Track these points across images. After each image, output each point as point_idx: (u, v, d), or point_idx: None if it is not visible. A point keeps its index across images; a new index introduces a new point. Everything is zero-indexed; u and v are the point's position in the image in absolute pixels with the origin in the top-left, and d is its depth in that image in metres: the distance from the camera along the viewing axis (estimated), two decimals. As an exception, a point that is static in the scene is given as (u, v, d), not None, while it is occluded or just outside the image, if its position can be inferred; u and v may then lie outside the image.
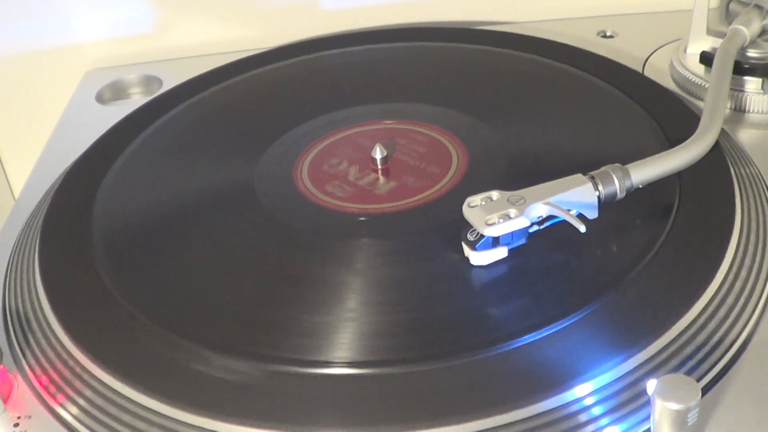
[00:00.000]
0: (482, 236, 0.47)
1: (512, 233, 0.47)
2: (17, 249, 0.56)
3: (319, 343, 0.44)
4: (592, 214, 0.48)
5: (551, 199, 0.47)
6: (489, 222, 0.46)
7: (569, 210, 0.47)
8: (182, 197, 0.58)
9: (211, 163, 0.62)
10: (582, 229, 0.46)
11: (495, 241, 0.47)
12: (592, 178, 0.48)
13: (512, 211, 0.47)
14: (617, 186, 0.48)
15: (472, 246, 0.47)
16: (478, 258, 0.48)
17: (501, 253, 0.48)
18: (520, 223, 0.47)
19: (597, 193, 0.48)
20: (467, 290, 0.48)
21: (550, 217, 0.48)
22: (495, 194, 0.48)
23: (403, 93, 0.68)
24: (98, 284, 0.50)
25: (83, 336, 0.46)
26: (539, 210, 0.47)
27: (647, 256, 0.47)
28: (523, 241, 0.48)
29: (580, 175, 0.48)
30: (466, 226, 0.48)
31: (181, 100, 0.69)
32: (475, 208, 0.47)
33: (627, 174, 0.49)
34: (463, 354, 0.42)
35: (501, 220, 0.46)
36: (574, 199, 0.48)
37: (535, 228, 0.48)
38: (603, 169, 0.49)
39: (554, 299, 0.45)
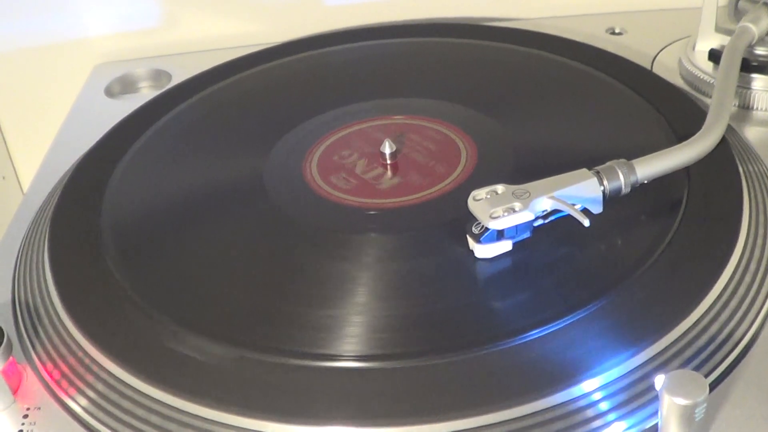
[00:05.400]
0: (487, 229, 0.47)
1: (517, 227, 0.47)
2: (26, 242, 0.57)
3: (326, 336, 0.44)
4: (597, 209, 0.48)
5: (556, 193, 0.47)
6: (494, 215, 0.46)
7: (574, 204, 0.47)
8: (191, 191, 0.58)
9: (220, 156, 0.62)
10: (586, 223, 0.46)
11: (499, 235, 0.47)
12: (597, 172, 0.48)
13: (517, 205, 0.47)
14: (622, 181, 0.48)
15: (477, 239, 0.47)
16: (483, 251, 0.48)
17: (505, 246, 0.48)
18: (524, 216, 0.47)
19: (602, 188, 0.48)
20: (474, 284, 0.48)
21: (555, 211, 0.48)
22: (500, 188, 0.48)
23: (412, 89, 0.68)
24: (107, 276, 0.50)
25: (92, 327, 0.47)
26: (544, 204, 0.47)
27: (656, 252, 0.47)
28: (527, 234, 0.48)
29: (585, 170, 0.48)
30: (472, 219, 0.48)
31: (190, 94, 0.69)
32: (480, 201, 0.48)
33: (632, 169, 0.49)
34: (470, 349, 0.42)
35: (505, 214, 0.46)
36: (579, 193, 0.48)
37: (540, 222, 0.48)
38: (608, 164, 0.49)
39: (561, 294, 0.45)
